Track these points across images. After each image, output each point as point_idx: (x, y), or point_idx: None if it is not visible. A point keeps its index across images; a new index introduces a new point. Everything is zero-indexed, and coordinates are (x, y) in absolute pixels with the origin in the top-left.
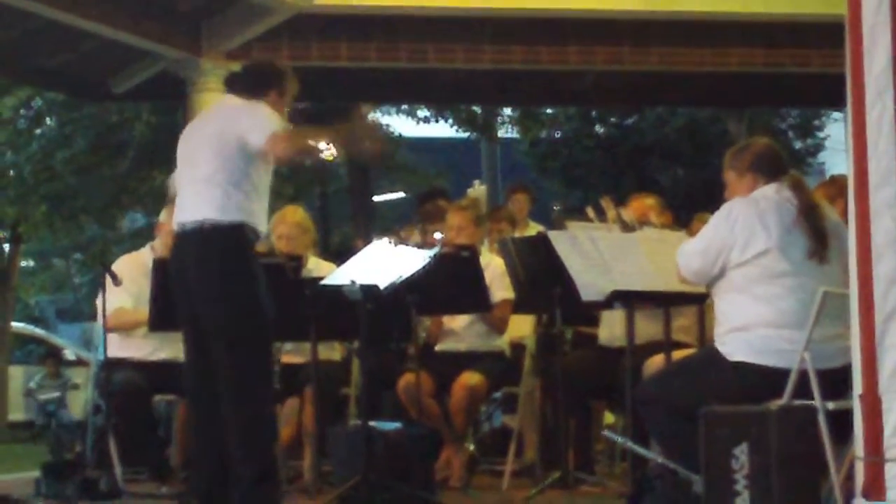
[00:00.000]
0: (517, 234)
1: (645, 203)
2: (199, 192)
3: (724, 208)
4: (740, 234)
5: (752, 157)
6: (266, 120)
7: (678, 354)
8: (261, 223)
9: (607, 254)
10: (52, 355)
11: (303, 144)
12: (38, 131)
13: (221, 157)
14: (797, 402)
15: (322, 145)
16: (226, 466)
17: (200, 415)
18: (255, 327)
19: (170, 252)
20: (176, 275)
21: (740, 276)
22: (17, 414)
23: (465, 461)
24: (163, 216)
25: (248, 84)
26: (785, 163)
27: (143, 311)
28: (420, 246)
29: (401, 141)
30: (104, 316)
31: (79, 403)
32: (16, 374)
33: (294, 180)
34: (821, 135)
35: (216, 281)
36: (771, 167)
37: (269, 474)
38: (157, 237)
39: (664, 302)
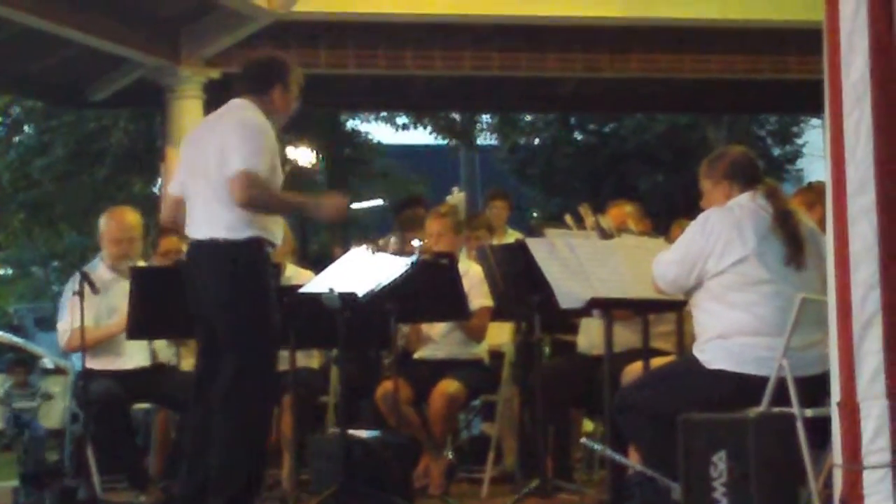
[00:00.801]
0: (496, 242)
1: (623, 210)
2: (210, 208)
3: (700, 218)
4: (716, 244)
5: (728, 165)
6: (245, 149)
7: (657, 362)
8: (275, 234)
9: (585, 261)
10: (20, 363)
11: (267, 201)
12: (16, 139)
13: (227, 172)
14: (775, 410)
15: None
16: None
17: (201, 421)
18: (262, 343)
19: (185, 261)
20: (190, 284)
21: (717, 284)
22: None
23: (443, 469)
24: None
25: (250, 82)
26: (760, 170)
27: (103, 329)
28: (398, 253)
29: (380, 148)
30: (82, 325)
31: (56, 412)
32: None
33: None
34: (799, 141)
35: (228, 295)
36: (746, 175)
37: (248, 490)
38: (106, 248)
39: (643, 309)
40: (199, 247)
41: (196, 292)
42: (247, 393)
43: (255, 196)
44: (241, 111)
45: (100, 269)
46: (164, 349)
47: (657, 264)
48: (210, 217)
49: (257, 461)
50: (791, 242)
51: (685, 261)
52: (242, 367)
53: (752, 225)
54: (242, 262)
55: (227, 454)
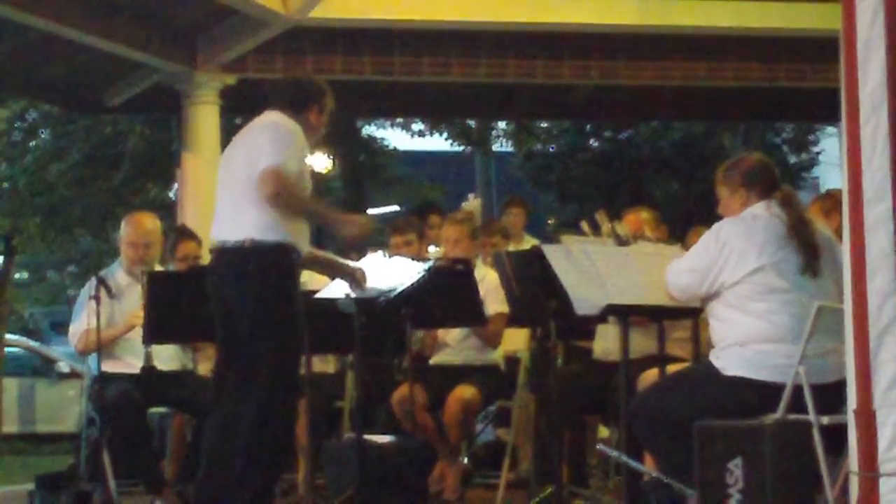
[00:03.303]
0: (512, 248)
1: (640, 217)
2: (239, 209)
3: (714, 229)
4: (730, 255)
5: (744, 172)
6: (277, 148)
7: (673, 368)
8: (303, 242)
9: (602, 268)
10: None
11: (294, 201)
12: (32, 144)
13: (256, 170)
14: (792, 417)
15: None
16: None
17: (220, 425)
18: (286, 352)
19: (209, 265)
20: (213, 289)
21: (734, 294)
22: (10, 426)
23: (459, 474)
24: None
25: (289, 99)
26: (777, 178)
27: (111, 332)
28: (413, 259)
29: (395, 154)
30: (98, 328)
31: (72, 416)
32: (10, 385)
33: None
34: (815, 149)
35: (254, 301)
36: (763, 183)
37: (265, 493)
38: (124, 252)
39: (658, 316)
40: (225, 252)
41: (219, 296)
42: (270, 401)
43: (282, 193)
44: (274, 116)
45: (118, 273)
46: (179, 354)
47: (670, 272)
48: (237, 218)
49: (276, 469)
50: (807, 251)
51: (697, 270)
52: (269, 375)
53: (767, 235)
54: (269, 267)
55: (247, 461)
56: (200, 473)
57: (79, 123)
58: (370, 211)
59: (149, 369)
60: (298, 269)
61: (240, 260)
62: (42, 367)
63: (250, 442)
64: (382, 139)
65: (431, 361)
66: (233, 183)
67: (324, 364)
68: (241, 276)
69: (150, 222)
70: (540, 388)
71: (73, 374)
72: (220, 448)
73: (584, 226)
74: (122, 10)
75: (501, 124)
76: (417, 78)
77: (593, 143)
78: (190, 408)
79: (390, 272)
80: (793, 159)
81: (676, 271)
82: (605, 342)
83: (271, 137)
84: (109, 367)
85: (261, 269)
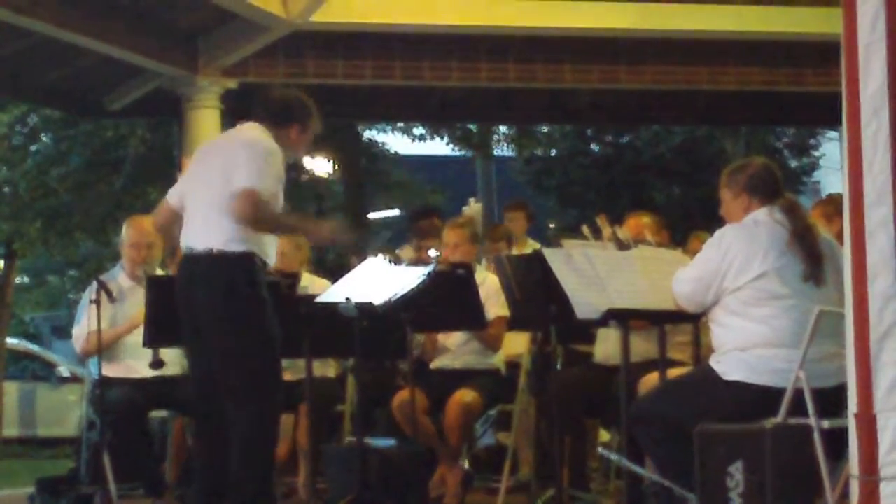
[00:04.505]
0: (514, 252)
1: (641, 221)
2: (209, 219)
3: (716, 236)
4: (733, 262)
5: (748, 178)
6: (252, 168)
7: (673, 373)
8: (269, 253)
9: (603, 272)
10: None
11: (265, 224)
12: (33, 148)
13: (230, 190)
14: (792, 421)
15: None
16: (224, 484)
17: (203, 431)
18: (262, 354)
19: (177, 271)
20: (181, 293)
21: (735, 300)
22: (11, 430)
23: (459, 478)
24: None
25: (273, 112)
26: (781, 184)
27: (115, 331)
28: (414, 263)
29: (396, 158)
30: (99, 333)
31: (73, 420)
32: (10, 389)
33: (288, 198)
34: (816, 153)
35: (223, 307)
36: (766, 189)
37: (264, 495)
38: (126, 254)
39: (659, 320)
40: (194, 259)
41: (191, 305)
42: (257, 405)
43: (254, 214)
44: (253, 132)
45: (119, 276)
46: (180, 357)
47: (676, 282)
48: (206, 225)
49: (270, 469)
50: (810, 259)
51: (702, 279)
52: (247, 383)
53: (769, 241)
54: (237, 275)
55: (248, 457)
56: (196, 478)
57: (80, 128)
58: (371, 215)
59: (159, 363)
60: (264, 276)
61: (207, 268)
62: (43, 371)
63: (242, 448)
64: (383, 143)
65: (432, 365)
66: (206, 193)
67: (324, 368)
68: (210, 284)
69: (151, 224)
70: (540, 392)
71: (74, 378)
72: (210, 451)
73: (585, 230)
74: (123, 14)
75: (502, 128)
76: (418, 82)
77: (594, 147)
78: (190, 411)
79: (391, 277)
80: (793, 163)
81: (682, 281)
82: (606, 346)
83: (250, 157)
84: (110, 370)
85: (229, 277)
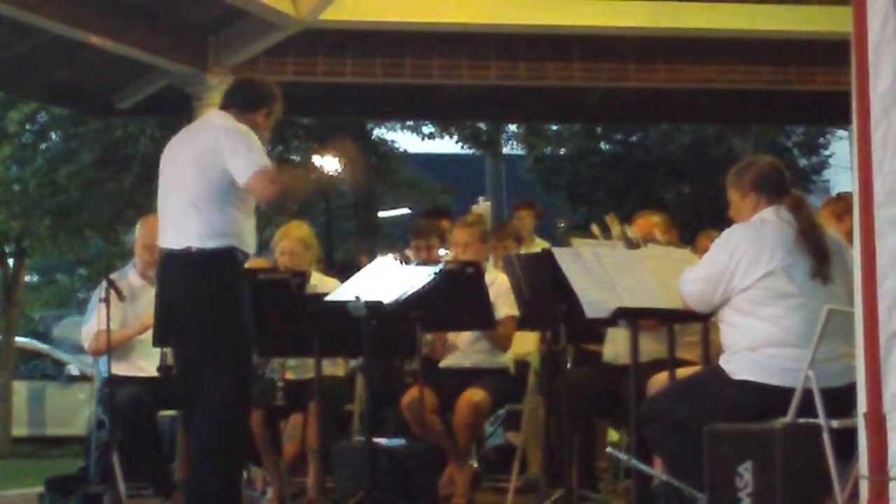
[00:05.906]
0: (523, 251)
1: (650, 220)
2: (185, 217)
3: (723, 236)
4: (740, 262)
5: (754, 177)
6: (249, 153)
7: (682, 372)
8: (249, 244)
9: (612, 271)
10: None
11: (285, 186)
12: (43, 146)
13: (205, 181)
14: (802, 421)
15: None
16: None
17: (191, 426)
18: (237, 352)
19: (156, 271)
20: (161, 294)
21: (744, 300)
22: (20, 429)
23: (468, 478)
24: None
25: (240, 98)
26: (787, 182)
27: (125, 332)
28: (420, 263)
29: (406, 157)
30: (108, 331)
31: (82, 419)
32: (20, 388)
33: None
34: (826, 152)
35: (202, 305)
36: (773, 187)
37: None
38: (138, 254)
39: (668, 319)
40: (172, 258)
41: (171, 305)
42: (227, 398)
43: (279, 188)
44: (223, 120)
45: (130, 275)
46: None
47: (684, 282)
48: (182, 223)
49: (236, 467)
50: (817, 256)
51: (710, 279)
52: (219, 380)
53: (777, 240)
54: (217, 272)
55: (214, 456)
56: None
57: (89, 126)
58: (381, 213)
59: (166, 369)
60: (243, 269)
61: (187, 266)
62: (52, 370)
63: (208, 446)
64: (393, 142)
65: (441, 364)
66: (179, 188)
67: (333, 367)
68: (189, 283)
69: None
70: (549, 392)
71: (83, 377)
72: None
73: (595, 229)
74: (132, 11)
75: (512, 127)
76: (428, 80)
77: (603, 145)
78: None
79: (400, 276)
80: (803, 162)
81: (689, 281)
82: (615, 346)
83: (237, 142)
84: (119, 369)
85: (208, 275)
